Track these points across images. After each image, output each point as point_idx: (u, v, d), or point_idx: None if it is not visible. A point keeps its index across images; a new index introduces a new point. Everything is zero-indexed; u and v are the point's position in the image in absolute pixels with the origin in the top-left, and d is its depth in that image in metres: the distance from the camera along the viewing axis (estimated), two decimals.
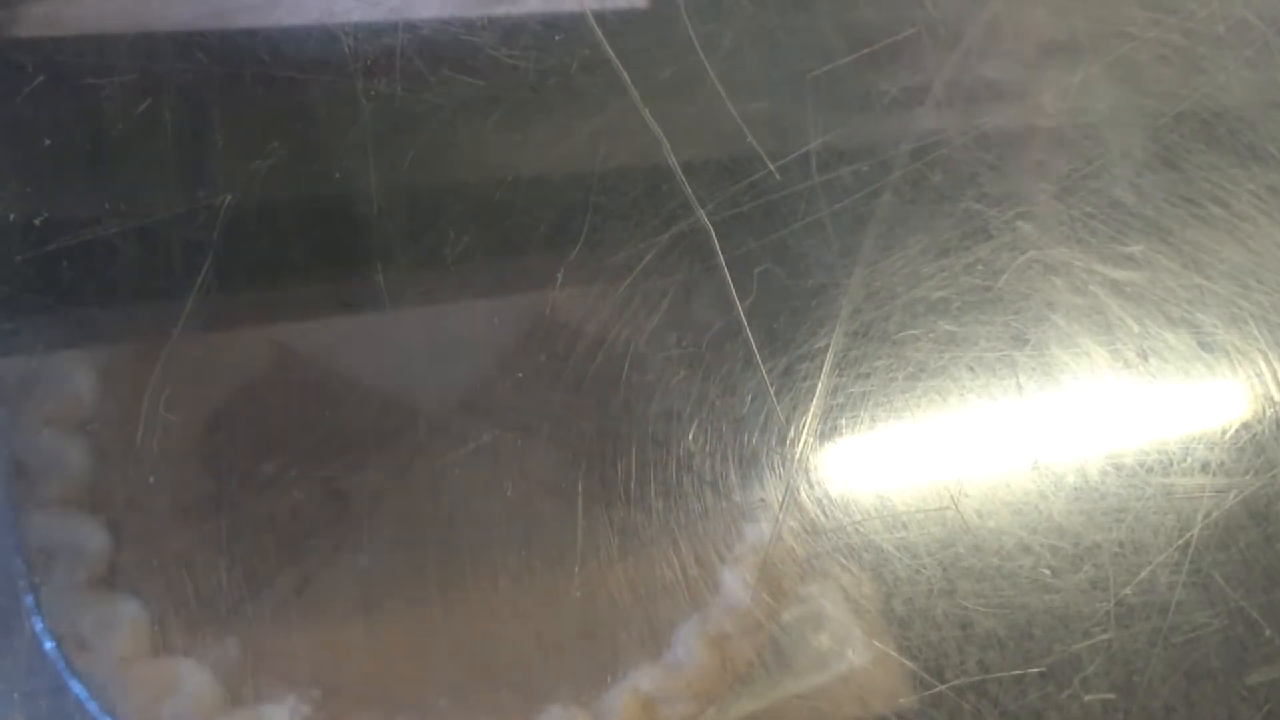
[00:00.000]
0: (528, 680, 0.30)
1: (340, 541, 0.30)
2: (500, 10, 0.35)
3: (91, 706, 0.27)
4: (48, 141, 0.31)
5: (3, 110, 0.31)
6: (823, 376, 0.32)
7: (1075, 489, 0.32)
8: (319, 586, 0.30)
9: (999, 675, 0.31)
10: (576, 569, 0.30)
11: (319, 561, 0.30)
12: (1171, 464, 0.33)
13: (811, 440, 0.31)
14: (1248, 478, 0.33)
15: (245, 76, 0.32)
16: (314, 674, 0.29)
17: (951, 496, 0.32)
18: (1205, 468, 0.33)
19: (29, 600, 0.28)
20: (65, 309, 0.30)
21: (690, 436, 0.31)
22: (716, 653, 0.30)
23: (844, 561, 0.31)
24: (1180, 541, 0.32)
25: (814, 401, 0.32)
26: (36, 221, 0.30)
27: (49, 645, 0.28)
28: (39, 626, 0.28)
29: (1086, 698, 0.31)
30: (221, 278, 0.30)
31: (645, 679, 0.30)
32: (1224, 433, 0.34)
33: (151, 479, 0.29)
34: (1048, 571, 0.31)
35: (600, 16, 0.35)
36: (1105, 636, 0.31)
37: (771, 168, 0.34)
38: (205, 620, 0.28)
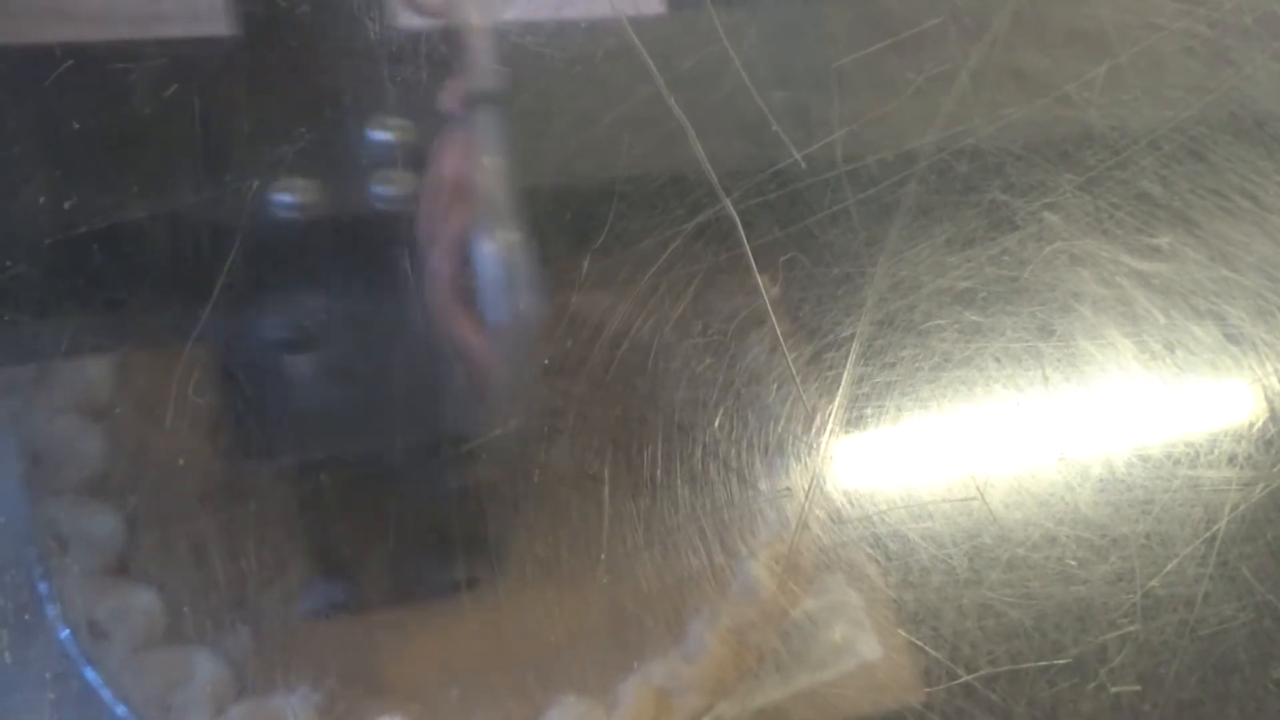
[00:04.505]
0: (547, 668, 0.30)
1: (357, 530, 0.30)
2: None
3: (105, 694, 0.28)
4: (76, 126, 0.31)
5: (32, 94, 0.31)
6: (848, 366, 0.32)
7: (1102, 480, 0.32)
8: (334, 575, 0.30)
9: (1025, 666, 0.30)
10: (602, 556, 0.30)
11: (335, 551, 0.30)
12: (1198, 456, 0.33)
13: (837, 429, 0.31)
14: (1275, 471, 0.33)
15: (272, 62, 0.32)
16: (325, 663, 0.29)
17: (977, 487, 0.32)
18: (1232, 460, 0.33)
19: (44, 587, 0.28)
20: (93, 292, 0.30)
21: (716, 425, 0.31)
22: (731, 644, 0.30)
23: (869, 551, 0.31)
24: (1207, 534, 0.32)
25: (840, 391, 0.32)
26: (65, 205, 0.30)
27: (64, 633, 0.28)
28: (54, 613, 0.28)
29: (1113, 689, 0.31)
30: (249, 262, 0.30)
31: (659, 670, 0.30)
32: (1251, 425, 0.34)
33: (181, 461, 0.29)
34: (1074, 563, 0.31)
35: (625, 5, 0.35)
36: (1131, 628, 0.31)
37: (797, 156, 0.34)
38: (219, 609, 0.28)
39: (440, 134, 0.32)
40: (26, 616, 0.28)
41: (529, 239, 0.32)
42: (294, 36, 0.33)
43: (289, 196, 0.31)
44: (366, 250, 0.32)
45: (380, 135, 0.32)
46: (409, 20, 0.33)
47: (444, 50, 0.33)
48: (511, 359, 0.31)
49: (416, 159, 0.32)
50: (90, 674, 0.28)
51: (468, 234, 0.31)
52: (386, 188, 0.32)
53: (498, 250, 0.31)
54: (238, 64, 0.32)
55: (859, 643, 0.31)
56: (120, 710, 0.27)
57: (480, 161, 0.32)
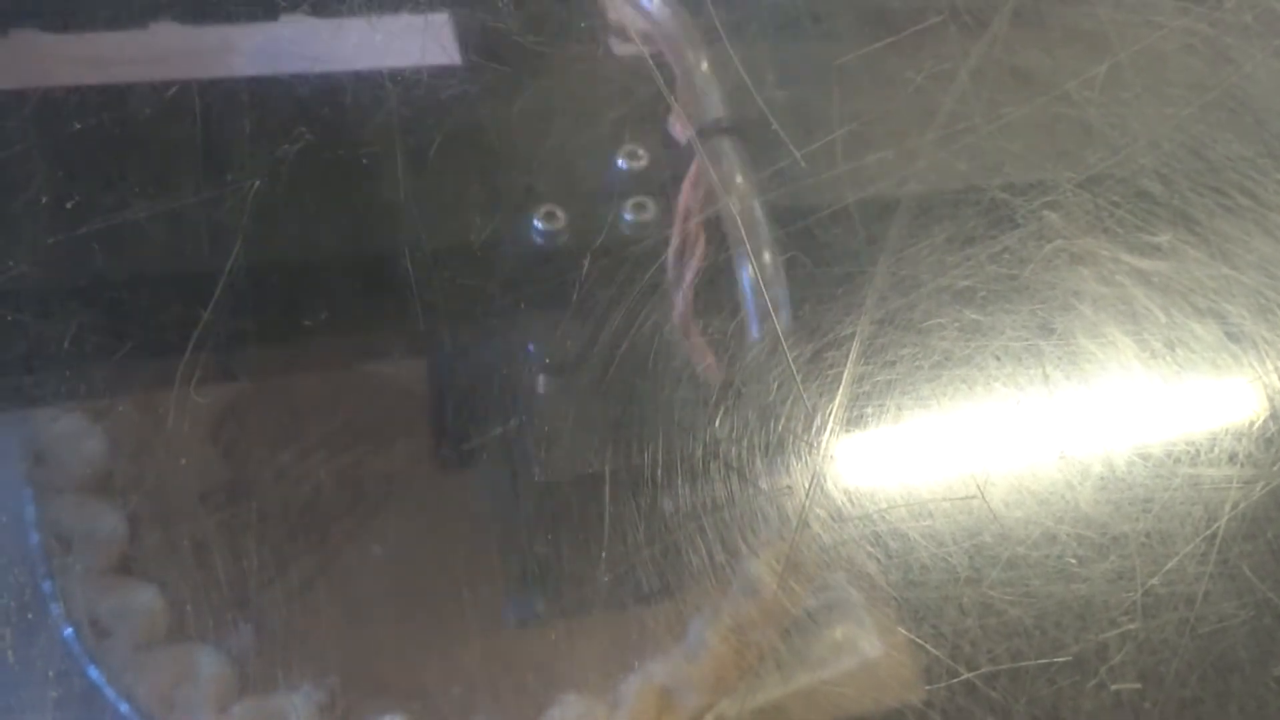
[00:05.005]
0: (549, 666, 0.30)
1: (356, 530, 0.30)
2: None
3: (109, 691, 0.28)
4: (78, 126, 0.31)
5: (34, 95, 0.31)
6: (849, 364, 0.32)
7: (1102, 479, 0.32)
8: (334, 575, 0.30)
9: (1025, 664, 0.30)
10: (603, 555, 0.30)
11: (334, 550, 0.30)
12: (1199, 455, 0.33)
13: (838, 428, 0.31)
14: (1275, 469, 0.33)
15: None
16: (328, 661, 0.29)
17: (978, 485, 0.31)
18: (1232, 458, 0.33)
19: (47, 586, 0.28)
20: (95, 292, 0.30)
21: (717, 423, 0.31)
22: (732, 642, 0.30)
23: (870, 549, 0.31)
24: (1207, 532, 0.32)
25: (840, 389, 0.32)
26: (68, 205, 0.31)
27: (67, 630, 0.28)
28: (57, 612, 0.28)
29: (1113, 687, 0.31)
30: (250, 262, 0.30)
31: (661, 668, 0.30)
32: (1251, 424, 0.34)
33: (183, 461, 0.29)
34: (1074, 561, 0.31)
35: (626, 4, 0.35)
36: (1132, 626, 0.31)
37: (797, 155, 0.34)
38: (221, 607, 0.29)
39: (684, 164, 0.33)
40: (29, 615, 0.28)
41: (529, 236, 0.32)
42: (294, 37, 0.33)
43: (542, 224, 0.33)
44: (366, 249, 0.32)
45: (626, 164, 0.34)
46: (622, 48, 0.34)
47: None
48: (755, 372, 0.32)
49: (662, 187, 0.33)
50: (93, 672, 0.28)
51: (719, 258, 0.32)
52: (636, 214, 0.33)
53: (757, 272, 0.32)
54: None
55: (859, 641, 0.30)
56: (123, 708, 0.28)
57: (727, 189, 0.33)
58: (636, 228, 0.33)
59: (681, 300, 0.32)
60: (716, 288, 0.33)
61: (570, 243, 0.33)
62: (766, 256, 0.32)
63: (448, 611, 0.30)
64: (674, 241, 0.32)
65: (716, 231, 0.33)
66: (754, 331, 0.32)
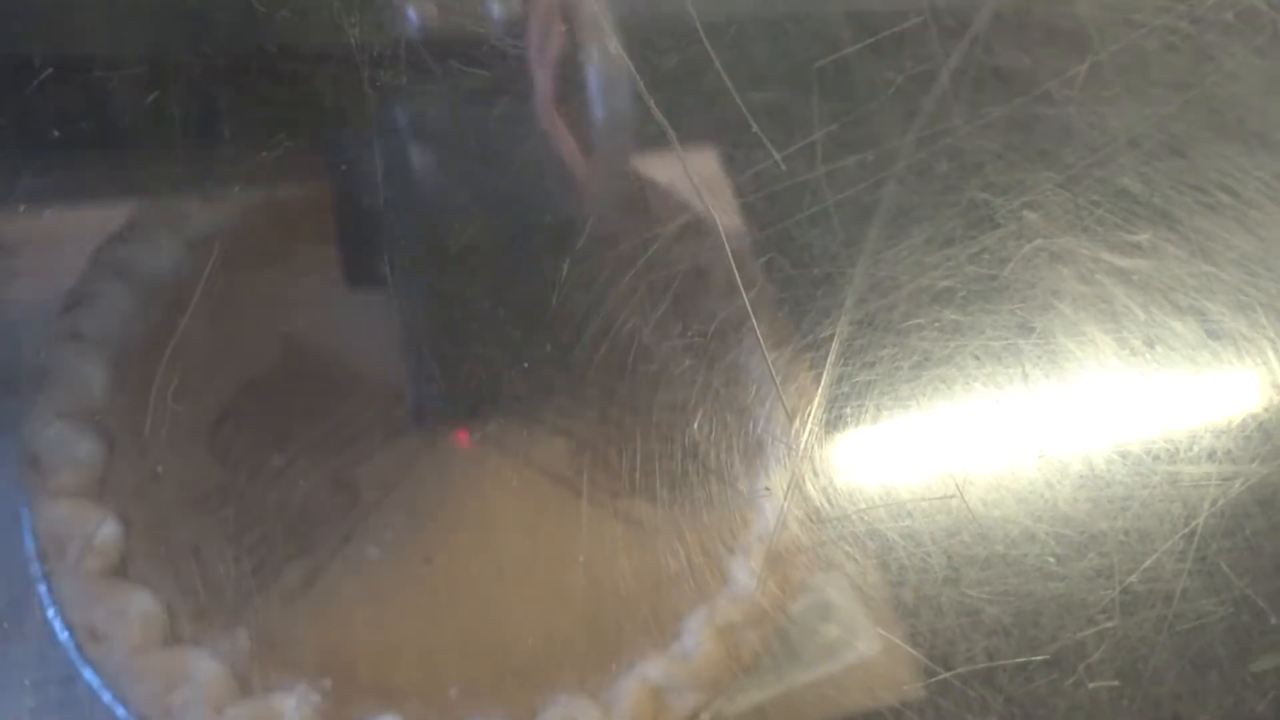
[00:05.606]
0: (535, 669, 0.30)
1: (349, 532, 0.30)
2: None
3: (104, 695, 0.28)
4: (57, 133, 0.31)
5: (13, 102, 0.31)
6: (828, 366, 0.32)
7: (1081, 477, 0.32)
8: (328, 577, 0.30)
9: (1004, 663, 0.31)
10: (582, 558, 0.30)
11: (328, 552, 0.30)
12: (1178, 452, 0.33)
13: (817, 429, 0.31)
14: (1254, 466, 0.33)
15: (252, 68, 0.33)
16: (323, 663, 0.29)
17: (957, 485, 0.32)
18: (1212, 456, 0.33)
19: (41, 590, 0.28)
20: (80, 296, 0.30)
21: (696, 426, 0.31)
22: (724, 643, 0.30)
23: (849, 550, 0.31)
24: (1186, 529, 0.32)
25: (819, 391, 0.32)
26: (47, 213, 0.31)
27: (62, 635, 0.28)
28: (51, 616, 0.28)
29: (1092, 685, 0.31)
30: (229, 268, 0.30)
31: (653, 668, 0.30)
32: (1230, 421, 0.34)
33: (160, 468, 0.29)
34: (1053, 559, 0.31)
35: (605, 6, 0.35)
36: (1110, 624, 0.31)
37: (777, 157, 0.34)
38: (215, 610, 0.29)
39: None
40: (24, 620, 0.28)
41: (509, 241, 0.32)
42: (274, 42, 0.33)
43: (413, 14, 0.33)
44: (346, 255, 0.32)
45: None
46: None
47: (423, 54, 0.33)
48: (605, 157, 0.32)
49: None
50: (90, 676, 0.28)
51: (571, 49, 0.32)
52: (498, 6, 0.33)
53: (600, 62, 0.32)
54: (218, 70, 0.32)
55: (839, 642, 0.31)
56: (120, 712, 0.28)
57: None
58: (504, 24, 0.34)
59: (542, 88, 0.32)
60: (695, 289, 0.33)
61: (545, 244, 0.33)
62: (607, 46, 0.33)
63: (439, 614, 0.30)
64: (533, 32, 0.33)
65: (572, 21, 0.33)
66: (599, 110, 0.32)
